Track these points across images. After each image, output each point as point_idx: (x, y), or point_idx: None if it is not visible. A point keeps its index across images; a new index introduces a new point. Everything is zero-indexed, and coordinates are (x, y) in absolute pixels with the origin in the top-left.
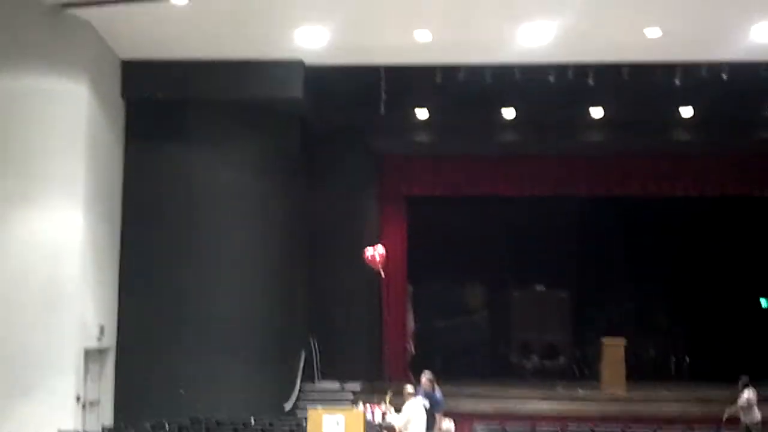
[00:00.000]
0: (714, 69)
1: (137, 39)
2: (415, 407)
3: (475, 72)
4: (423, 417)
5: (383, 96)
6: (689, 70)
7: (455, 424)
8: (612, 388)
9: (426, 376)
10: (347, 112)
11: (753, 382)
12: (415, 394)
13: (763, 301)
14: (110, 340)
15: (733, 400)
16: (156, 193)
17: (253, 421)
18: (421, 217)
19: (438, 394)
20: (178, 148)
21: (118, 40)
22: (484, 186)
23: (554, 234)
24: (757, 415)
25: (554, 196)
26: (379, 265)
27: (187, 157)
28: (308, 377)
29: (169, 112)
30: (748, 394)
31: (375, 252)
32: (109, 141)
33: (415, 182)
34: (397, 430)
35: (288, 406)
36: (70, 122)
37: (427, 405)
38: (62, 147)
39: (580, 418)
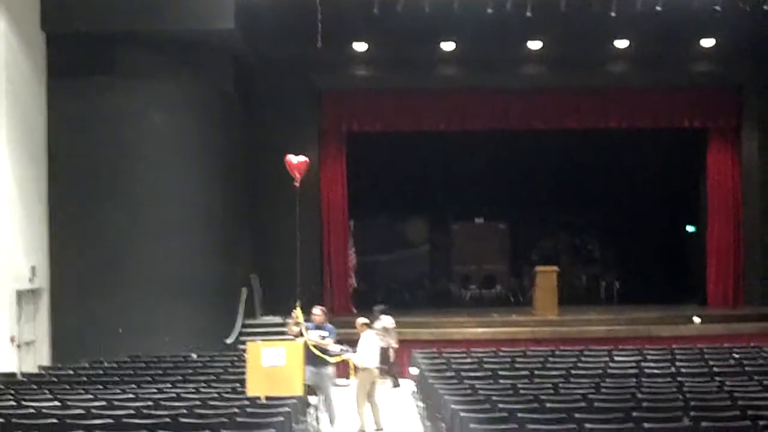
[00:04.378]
0: (648, 1)
1: None
2: (371, 339)
3: (414, 4)
4: (378, 347)
5: (320, 28)
6: (624, 2)
7: (396, 352)
8: (544, 313)
9: (320, 309)
10: (283, 46)
11: (679, 304)
12: (309, 327)
13: (690, 228)
14: (43, 281)
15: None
16: (83, 132)
17: (194, 355)
18: (361, 153)
19: (329, 324)
20: (105, 85)
21: None
22: (424, 121)
23: (492, 167)
24: (392, 342)
25: (492, 130)
26: (296, 173)
27: (115, 94)
28: (250, 313)
29: (93, 47)
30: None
31: (296, 159)
32: (30, 78)
33: (355, 118)
34: (357, 365)
35: (229, 340)
36: None
37: (324, 334)
38: None
39: (513, 341)
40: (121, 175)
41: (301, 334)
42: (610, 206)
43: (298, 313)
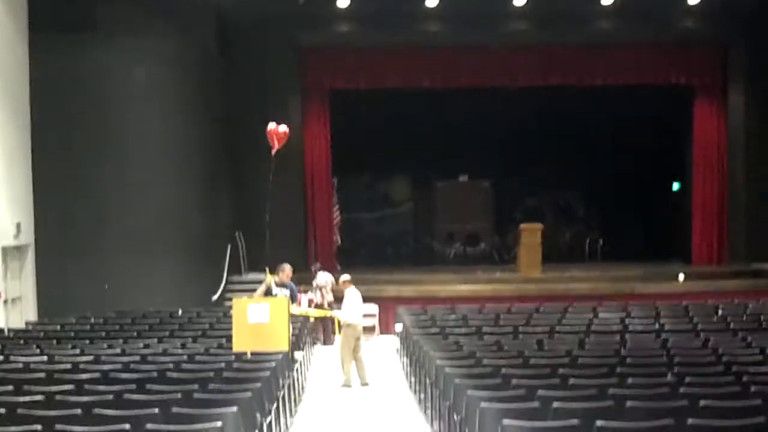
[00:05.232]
0: None
1: None
2: (355, 296)
3: None
4: (360, 303)
5: None
6: None
7: (379, 309)
8: (528, 271)
9: (288, 268)
10: (265, 2)
11: (663, 262)
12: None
13: (675, 185)
14: (28, 237)
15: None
16: (65, 88)
17: (180, 312)
18: (345, 110)
19: (290, 282)
20: (87, 41)
21: None
22: (407, 78)
23: (477, 125)
24: (330, 296)
25: (476, 87)
26: (275, 142)
27: (97, 50)
28: (235, 270)
29: (75, 3)
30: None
31: (276, 128)
32: (12, 35)
33: (338, 75)
34: (341, 322)
35: (215, 297)
36: None
37: (285, 292)
38: None
39: (497, 298)
40: (103, 131)
41: (267, 294)
42: (595, 164)
43: (269, 277)
